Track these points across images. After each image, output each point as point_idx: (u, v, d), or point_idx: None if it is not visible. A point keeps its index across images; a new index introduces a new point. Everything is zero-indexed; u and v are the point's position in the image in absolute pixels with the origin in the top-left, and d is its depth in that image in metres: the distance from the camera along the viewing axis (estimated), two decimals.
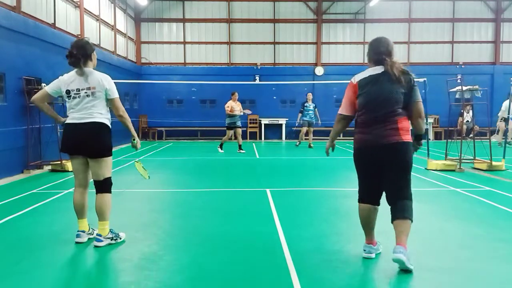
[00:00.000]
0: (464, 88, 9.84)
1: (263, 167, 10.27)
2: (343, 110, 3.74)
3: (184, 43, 19.52)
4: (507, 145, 10.99)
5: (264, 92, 18.84)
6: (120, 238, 4.25)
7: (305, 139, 15.38)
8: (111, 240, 4.16)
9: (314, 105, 14.92)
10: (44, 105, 4.29)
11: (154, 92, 18.88)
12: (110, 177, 4.22)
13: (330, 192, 6.96)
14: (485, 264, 3.67)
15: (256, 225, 4.95)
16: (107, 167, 4.17)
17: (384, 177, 3.63)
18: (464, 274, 3.48)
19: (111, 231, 4.19)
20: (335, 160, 11.00)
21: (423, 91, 9.35)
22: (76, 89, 4.04)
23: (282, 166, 10.51)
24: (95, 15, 14.31)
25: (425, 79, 9.52)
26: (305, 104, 14.90)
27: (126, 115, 4.18)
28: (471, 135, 10.91)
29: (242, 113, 13.16)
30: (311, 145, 14.97)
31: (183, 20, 19.46)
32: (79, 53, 4.03)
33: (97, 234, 4.16)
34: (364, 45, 19.40)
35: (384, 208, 3.74)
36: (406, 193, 3.59)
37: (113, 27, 16.17)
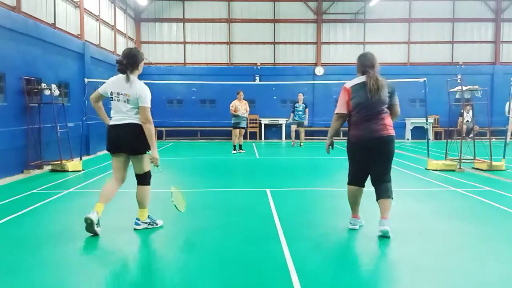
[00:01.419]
0: (464, 88, 9.84)
1: (263, 167, 10.27)
2: (340, 109, 4.49)
3: (184, 43, 19.52)
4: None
5: (264, 92, 18.83)
6: (157, 224, 4.74)
7: (295, 140, 15.49)
8: (148, 225, 4.68)
9: (304, 105, 15.00)
10: (97, 105, 4.66)
11: (154, 92, 18.31)
12: (149, 171, 4.67)
13: (330, 192, 6.96)
14: (485, 264, 3.67)
15: (256, 225, 4.95)
16: (145, 162, 4.60)
17: (372, 164, 4.45)
18: (464, 274, 3.48)
19: (149, 217, 4.71)
20: (334, 160, 10.99)
21: (423, 91, 9.38)
22: (117, 92, 4.45)
23: (282, 166, 10.51)
24: (95, 15, 14.31)
25: (425, 79, 9.52)
26: (295, 105, 15.08)
27: (149, 125, 4.40)
28: (471, 135, 10.91)
29: (245, 114, 12.73)
30: (302, 144, 15.23)
31: (183, 20, 19.46)
32: (128, 62, 4.46)
33: (136, 218, 4.66)
34: (364, 45, 19.40)
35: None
36: (389, 177, 4.48)
37: (113, 27, 16.17)
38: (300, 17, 19.53)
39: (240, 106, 12.63)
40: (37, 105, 9.41)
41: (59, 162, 9.20)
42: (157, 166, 4.61)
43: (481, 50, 19.74)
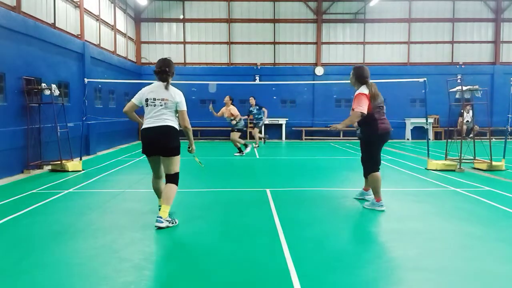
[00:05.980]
0: (464, 88, 9.84)
1: (263, 167, 10.27)
2: (365, 110, 5.37)
3: (184, 43, 19.52)
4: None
5: (264, 92, 18.82)
6: (175, 223, 4.91)
7: (260, 138, 15.70)
8: (169, 223, 4.82)
9: (257, 107, 15.03)
10: (132, 114, 5.12)
11: None
12: (178, 172, 4.94)
13: (330, 192, 6.96)
14: (485, 264, 3.67)
15: (256, 225, 4.95)
16: (176, 163, 4.90)
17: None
18: (464, 274, 3.48)
19: (169, 215, 4.90)
20: (335, 160, 10.99)
21: (423, 91, 9.38)
22: (153, 98, 4.80)
23: (282, 166, 10.50)
24: (95, 15, 14.30)
25: (425, 79, 9.51)
26: (250, 109, 15.16)
27: (189, 127, 4.95)
28: (471, 135, 10.90)
29: (230, 117, 12.59)
30: (264, 142, 15.98)
31: (183, 20, 19.46)
32: (170, 70, 4.87)
33: (158, 216, 4.79)
34: (364, 45, 19.41)
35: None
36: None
37: (113, 27, 16.16)
38: (300, 17, 19.53)
39: (225, 113, 12.68)
40: (37, 105, 9.41)
41: (59, 162, 9.20)
42: (198, 161, 5.49)
43: (481, 50, 19.72)
